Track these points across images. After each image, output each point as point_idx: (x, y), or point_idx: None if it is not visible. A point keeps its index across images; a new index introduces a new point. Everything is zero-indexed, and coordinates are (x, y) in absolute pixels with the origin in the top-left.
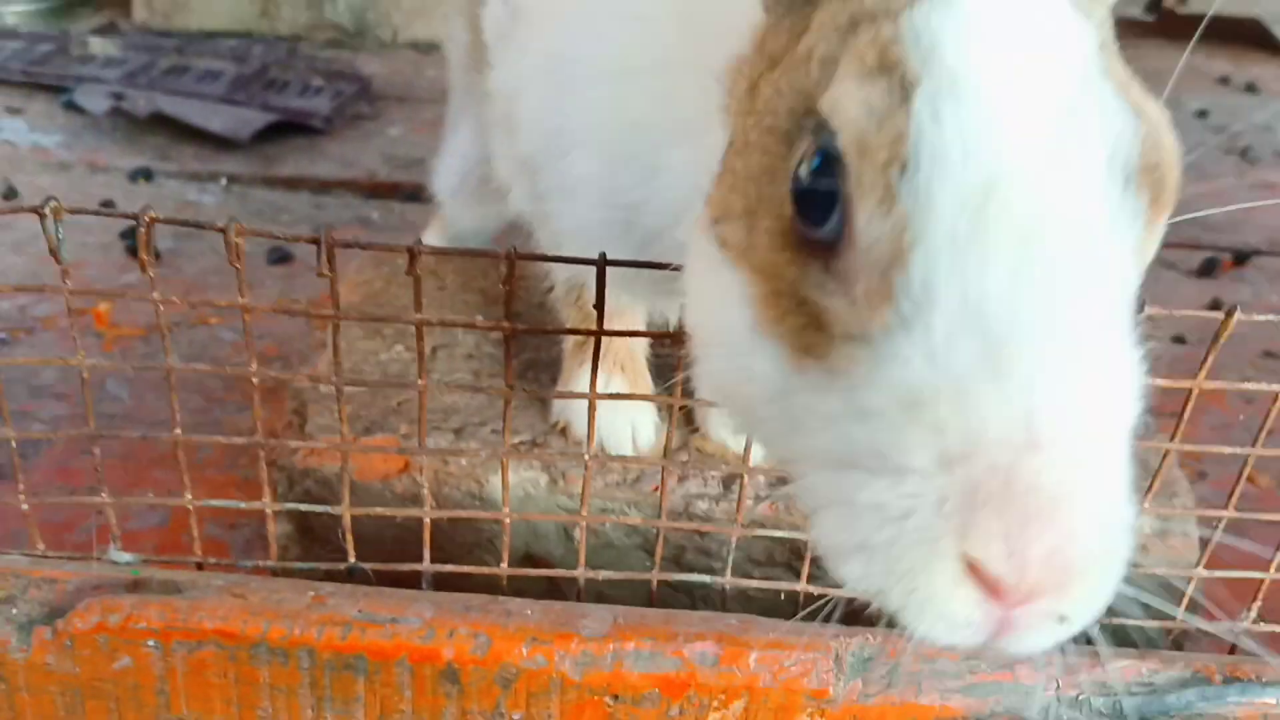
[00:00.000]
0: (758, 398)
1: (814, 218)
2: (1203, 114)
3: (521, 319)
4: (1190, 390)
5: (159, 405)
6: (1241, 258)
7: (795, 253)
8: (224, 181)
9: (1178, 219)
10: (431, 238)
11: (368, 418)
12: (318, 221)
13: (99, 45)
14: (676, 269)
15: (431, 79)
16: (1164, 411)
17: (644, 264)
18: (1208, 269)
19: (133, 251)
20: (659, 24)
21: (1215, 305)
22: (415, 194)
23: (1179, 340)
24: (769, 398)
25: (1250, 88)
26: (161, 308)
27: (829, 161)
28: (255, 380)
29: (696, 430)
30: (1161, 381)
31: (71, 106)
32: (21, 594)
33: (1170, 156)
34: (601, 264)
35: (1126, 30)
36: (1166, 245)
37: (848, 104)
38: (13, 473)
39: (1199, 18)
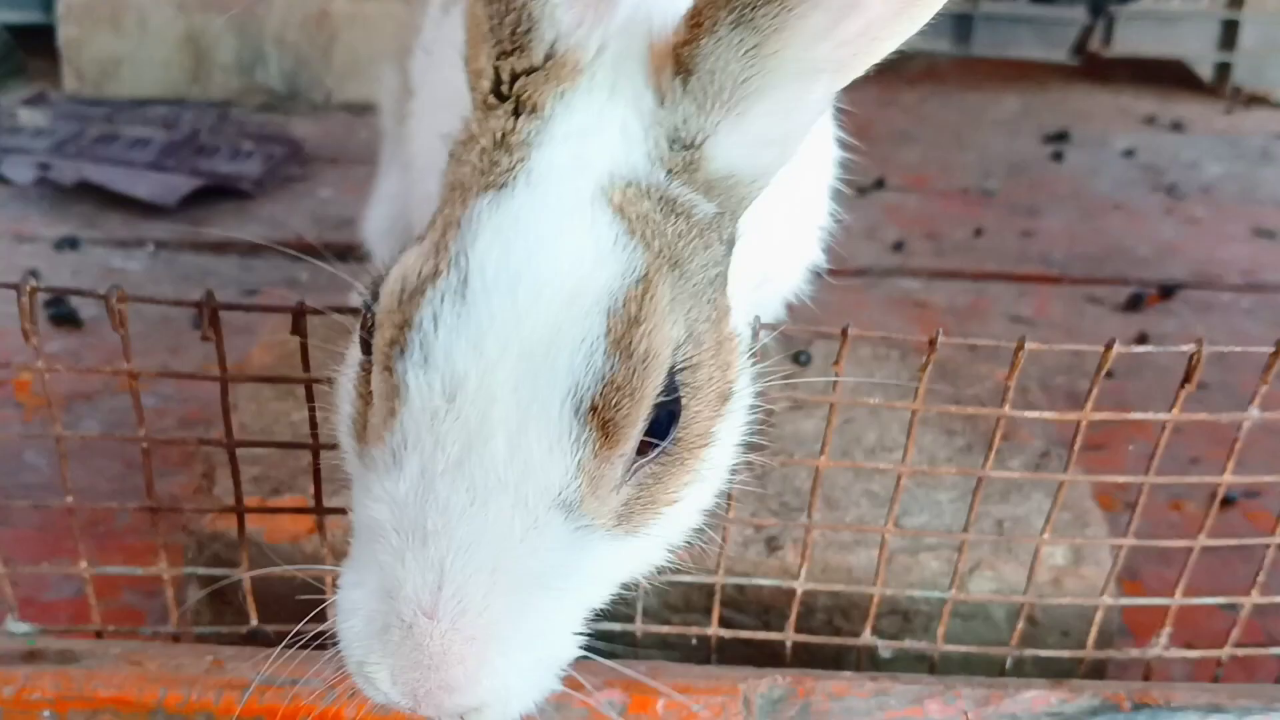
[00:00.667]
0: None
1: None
2: (1130, 153)
3: None
4: (1079, 422)
5: (78, 473)
6: (1167, 291)
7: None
8: (151, 247)
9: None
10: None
11: (276, 478)
12: (246, 284)
13: (28, 116)
14: None
15: (364, 140)
16: (1090, 445)
17: None
18: (1134, 303)
19: (56, 320)
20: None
21: (1142, 339)
22: (346, 253)
23: (1107, 375)
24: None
25: (1176, 126)
26: (46, 376)
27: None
28: (144, 445)
29: None
30: (1049, 415)
31: None
32: None
33: (631, 400)
34: None
35: (1053, 74)
36: (1093, 281)
37: (394, 273)
38: None
39: (1124, 60)
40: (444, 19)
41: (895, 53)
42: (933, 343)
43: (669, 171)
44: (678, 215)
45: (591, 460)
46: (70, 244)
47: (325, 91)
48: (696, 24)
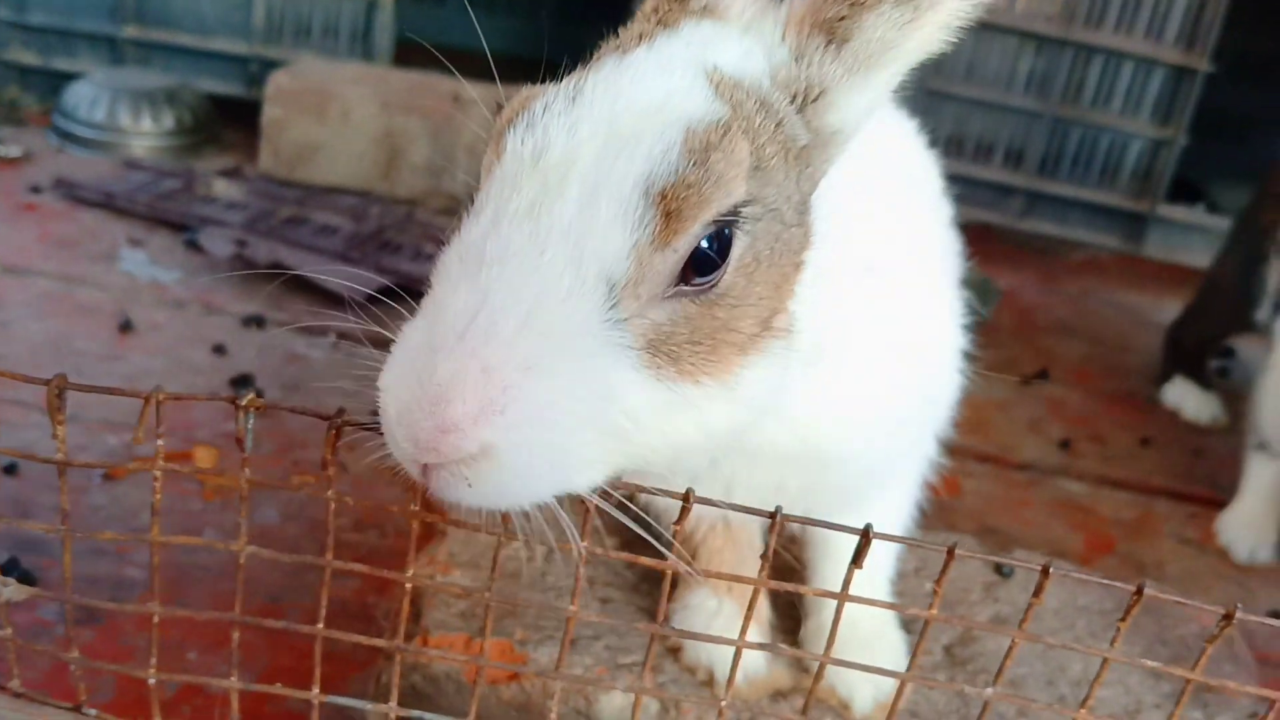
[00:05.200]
0: None
1: None
2: None
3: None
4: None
5: (253, 563)
6: None
7: None
8: (333, 338)
9: None
10: None
11: (483, 617)
12: None
13: (223, 187)
14: None
15: None
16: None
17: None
18: None
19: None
20: None
21: None
22: None
23: (1276, 615)
24: None
25: None
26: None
27: None
28: (328, 573)
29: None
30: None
31: (192, 245)
32: None
33: (697, 197)
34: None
35: None
36: None
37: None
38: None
39: None
40: None
41: (1062, 240)
42: (1139, 591)
43: (790, 99)
44: (775, 123)
45: (647, 245)
46: (257, 322)
47: None
48: (859, 2)
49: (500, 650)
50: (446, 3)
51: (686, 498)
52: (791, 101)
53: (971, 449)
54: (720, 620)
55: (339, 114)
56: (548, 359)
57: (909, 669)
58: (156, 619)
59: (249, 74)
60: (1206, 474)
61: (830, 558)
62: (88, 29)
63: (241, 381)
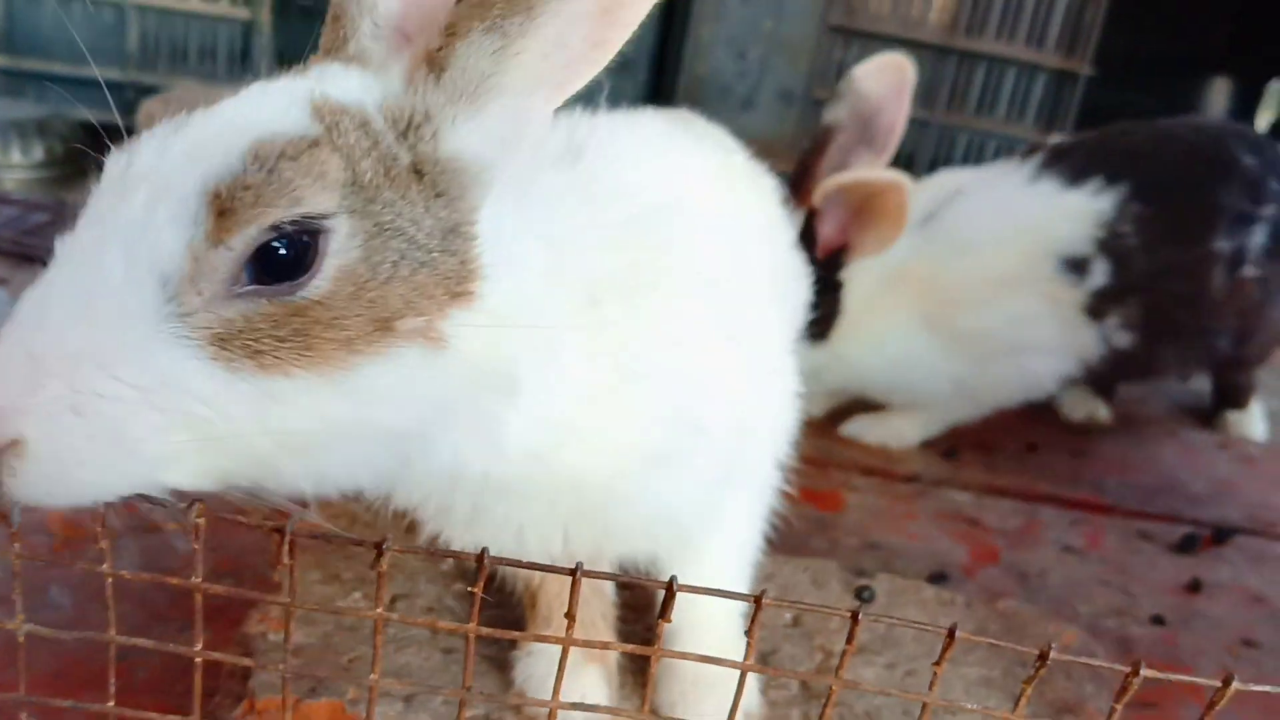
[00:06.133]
0: None
1: None
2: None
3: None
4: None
5: (98, 616)
6: (1221, 535)
7: None
8: None
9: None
10: None
11: (311, 678)
12: None
13: None
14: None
15: None
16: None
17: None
18: (1187, 545)
19: None
20: None
21: (1195, 585)
22: None
23: (1158, 621)
24: None
25: None
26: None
27: None
28: (112, 649)
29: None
30: (971, 707)
31: None
32: None
33: (252, 200)
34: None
35: None
36: (1146, 515)
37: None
38: None
39: None
40: None
41: None
42: (1043, 656)
43: (390, 125)
44: (372, 143)
45: (201, 243)
46: None
47: None
48: (452, 33)
49: (330, 711)
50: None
51: (480, 559)
52: (393, 126)
53: (856, 462)
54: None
55: None
56: (96, 348)
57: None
58: None
59: (125, 101)
60: (1090, 477)
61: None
62: None
63: None
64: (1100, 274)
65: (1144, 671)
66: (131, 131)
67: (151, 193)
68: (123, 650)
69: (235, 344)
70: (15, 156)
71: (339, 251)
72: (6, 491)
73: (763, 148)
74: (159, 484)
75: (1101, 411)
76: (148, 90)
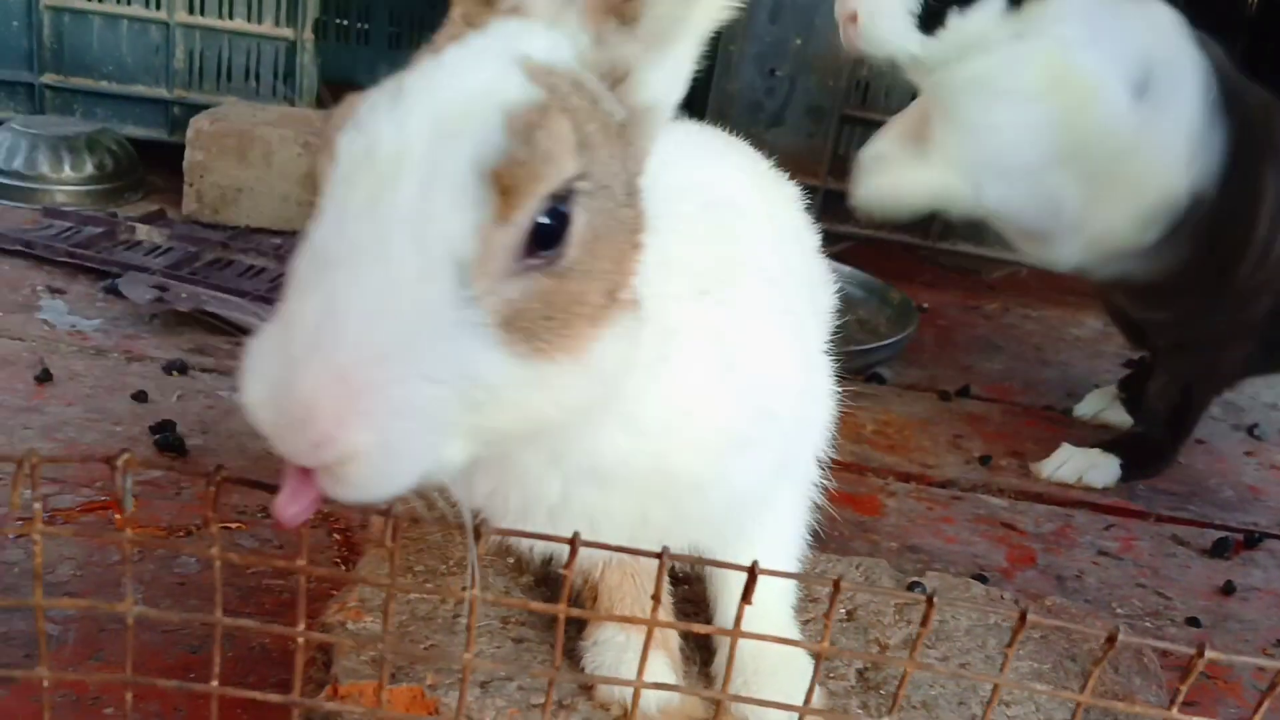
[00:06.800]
0: None
1: None
2: None
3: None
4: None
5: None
6: (1252, 540)
7: None
8: None
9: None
10: None
11: (393, 663)
12: None
13: (146, 233)
14: None
15: None
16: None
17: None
18: (1220, 549)
19: (160, 447)
20: None
21: (1228, 588)
22: None
23: (1193, 623)
24: None
25: None
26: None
27: None
28: (218, 630)
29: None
30: (1042, 688)
31: (113, 292)
32: None
33: (528, 173)
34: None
35: None
36: (1179, 520)
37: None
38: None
39: None
40: None
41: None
42: (1111, 640)
43: (600, 79)
44: (591, 101)
45: (489, 223)
46: (179, 369)
47: None
48: None
49: (410, 696)
50: (370, 43)
51: (573, 542)
52: (602, 81)
53: (893, 468)
54: (630, 655)
55: (261, 156)
56: (401, 345)
57: (807, 699)
58: (46, 684)
59: (171, 117)
60: (1122, 484)
61: (726, 591)
62: (5, 77)
63: (161, 429)
64: None
65: (1208, 653)
66: (181, 148)
67: (421, 177)
68: (195, 643)
69: (518, 326)
70: (66, 171)
71: (579, 216)
72: (336, 497)
73: (792, 163)
74: (445, 464)
75: (1112, 413)
76: (194, 107)
